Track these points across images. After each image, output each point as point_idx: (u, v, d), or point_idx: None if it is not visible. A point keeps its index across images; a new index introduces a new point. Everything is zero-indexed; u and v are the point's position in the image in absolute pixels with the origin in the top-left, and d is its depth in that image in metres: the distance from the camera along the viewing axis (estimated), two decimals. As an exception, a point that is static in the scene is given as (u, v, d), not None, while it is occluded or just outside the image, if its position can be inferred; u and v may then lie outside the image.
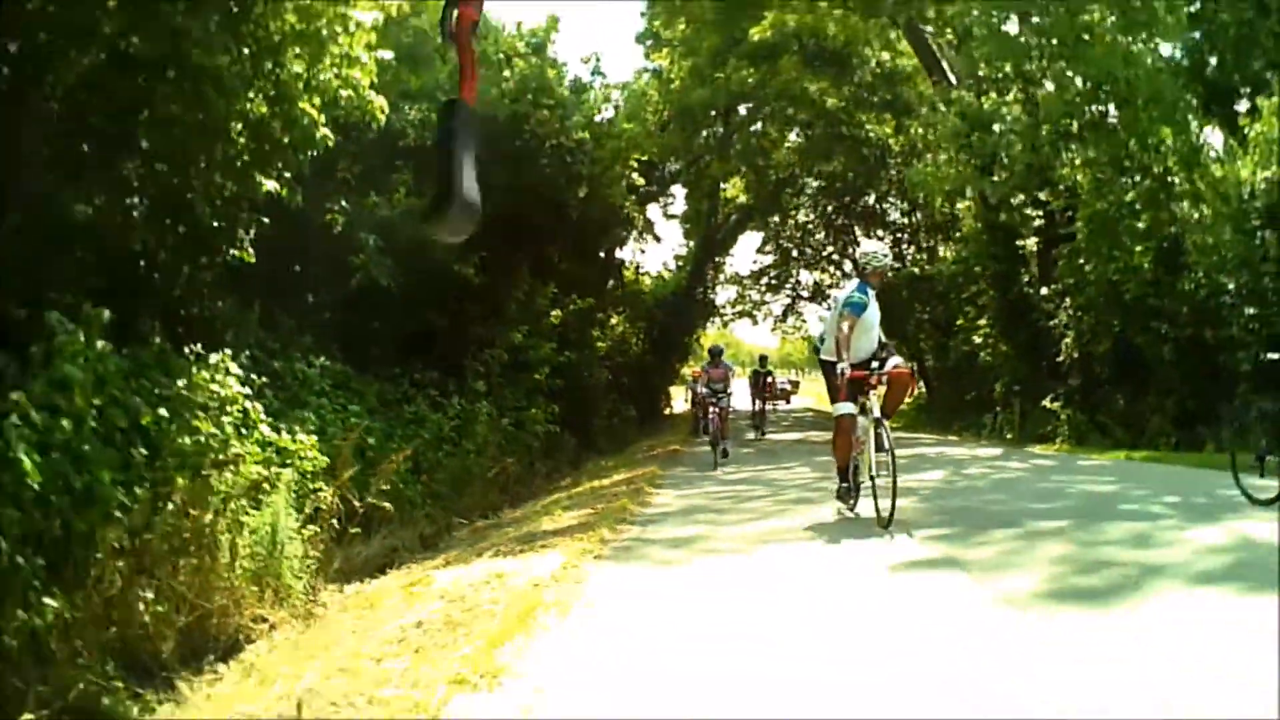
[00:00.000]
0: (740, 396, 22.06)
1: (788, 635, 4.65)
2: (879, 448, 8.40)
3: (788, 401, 59.53)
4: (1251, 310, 18.47)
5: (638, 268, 34.93)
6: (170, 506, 6.62)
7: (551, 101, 18.73)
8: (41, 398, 6.01)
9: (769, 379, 27.95)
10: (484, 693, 3.87)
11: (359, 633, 5.96)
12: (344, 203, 12.58)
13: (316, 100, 9.40)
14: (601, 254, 27.04)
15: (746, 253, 56.29)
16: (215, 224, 9.36)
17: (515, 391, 18.40)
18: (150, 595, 6.27)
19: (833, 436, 9.25)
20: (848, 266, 47.45)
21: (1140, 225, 20.45)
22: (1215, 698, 3.40)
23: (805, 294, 50.90)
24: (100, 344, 6.64)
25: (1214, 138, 21.56)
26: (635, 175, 25.51)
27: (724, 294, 51.17)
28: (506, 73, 18.22)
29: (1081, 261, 21.83)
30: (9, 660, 5.17)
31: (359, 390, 13.31)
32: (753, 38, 27.21)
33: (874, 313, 9.03)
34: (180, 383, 7.59)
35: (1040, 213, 24.15)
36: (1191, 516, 7.77)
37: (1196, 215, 19.66)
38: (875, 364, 8.86)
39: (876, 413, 8.56)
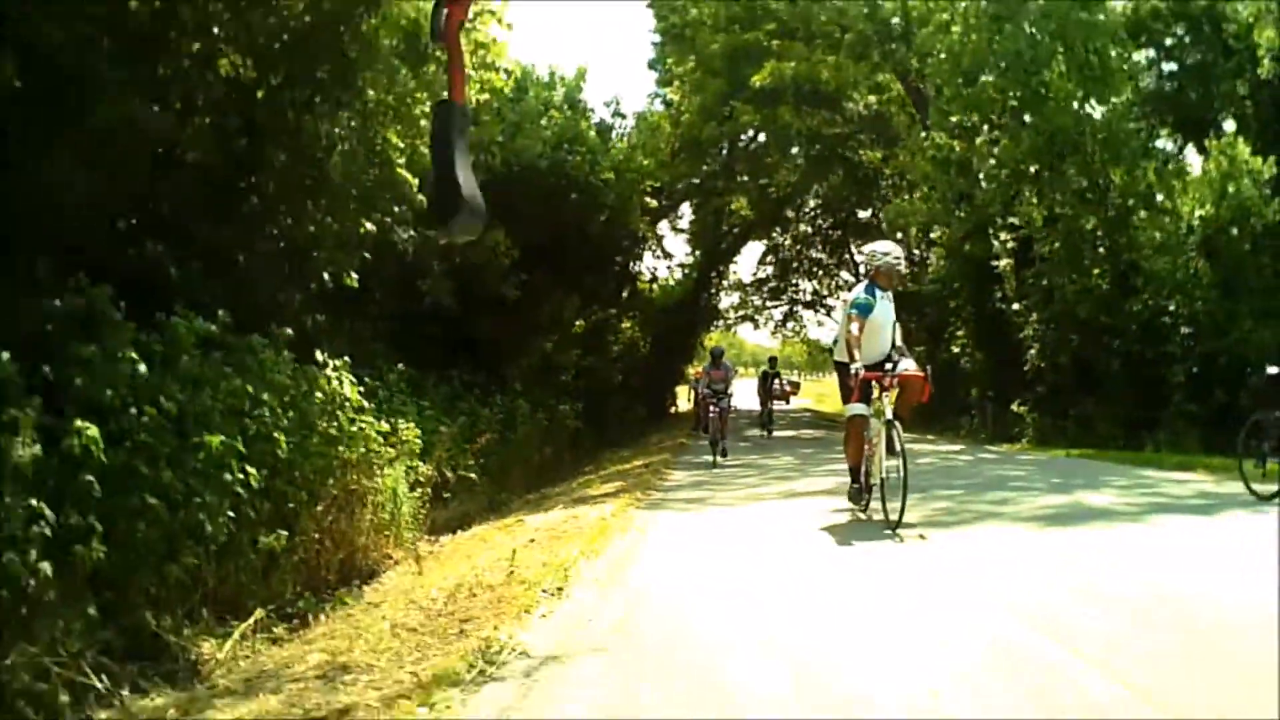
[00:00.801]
0: (745, 396, 24.55)
1: (757, 540, 8.04)
2: (890, 450, 8.56)
3: (787, 402, 61.18)
4: (1186, 330, 21.08)
5: (651, 277, 37.16)
6: (330, 478, 9.33)
7: (583, 149, 21.40)
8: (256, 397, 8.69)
9: (777, 380, 29.42)
10: (596, 559, 6.95)
11: (484, 552, 8.74)
12: (413, 232, 15.18)
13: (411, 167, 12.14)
14: (616, 267, 29.22)
15: (749, 261, 57.40)
16: (327, 257, 12.11)
17: (546, 391, 21.15)
18: (320, 537, 9.03)
19: (845, 437, 9.49)
20: (844, 276, 50.27)
21: (1100, 251, 23.08)
22: (1011, 573, 6.16)
23: (804, 301, 53.59)
24: (285, 354, 9.29)
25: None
26: (649, 199, 27.95)
27: (727, 299, 53.28)
28: (544, 121, 20.82)
29: (1045, 283, 24.13)
30: (246, 578, 7.86)
31: (425, 390, 16.00)
32: (754, 84, 29.79)
33: (885, 314, 9.12)
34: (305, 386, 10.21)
35: (1012, 236, 26.22)
36: (1054, 490, 10.75)
37: (1146, 246, 22.13)
38: (889, 365, 9.00)
39: (889, 414, 8.70)
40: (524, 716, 3.79)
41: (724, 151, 37.33)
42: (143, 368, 6.80)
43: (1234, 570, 6.11)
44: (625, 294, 30.82)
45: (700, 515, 10.02)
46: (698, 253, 43.13)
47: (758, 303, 55.30)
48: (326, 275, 12.31)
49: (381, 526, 9.94)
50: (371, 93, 11.38)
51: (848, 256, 48.90)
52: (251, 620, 6.89)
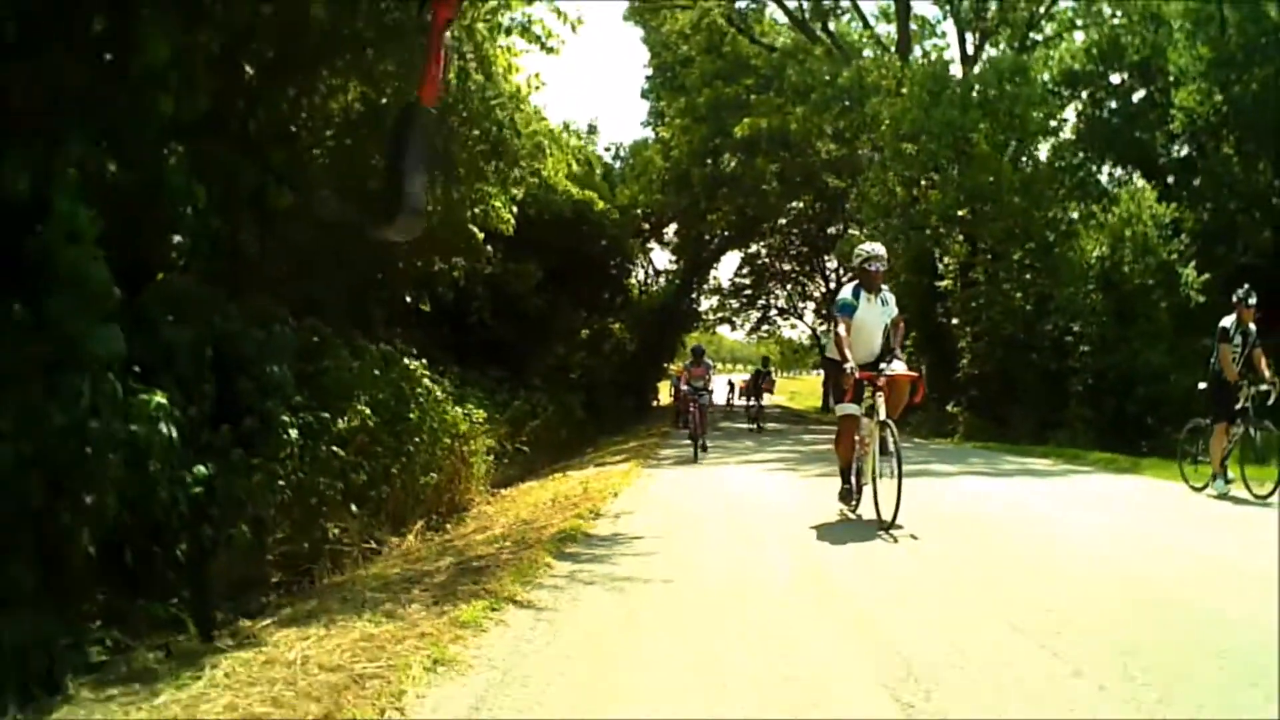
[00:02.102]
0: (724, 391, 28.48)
1: (716, 479, 12.78)
2: (884, 450, 8.57)
3: (771, 393, 65.78)
4: (1085, 348, 25.21)
5: (640, 286, 41.35)
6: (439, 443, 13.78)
7: (595, 194, 25.81)
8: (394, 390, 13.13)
9: (770, 379, 32.63)
10: (626, 488, 11.70)
11: (544, 493, 13.34)
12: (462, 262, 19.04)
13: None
14: (612, 281, 33.41)
15: (728, 267, 60.26)
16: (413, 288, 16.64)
17: (558, 387, 25.64)
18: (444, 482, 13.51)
19: (835, 437, 9.45)
20: (813, 286, 54.93)
21: (1026, 278, 27.41)
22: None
23: (777, 307, 58.13)
24: (405, 360, 13.74)
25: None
26: (642, 223, 32.32)
27: (707, 302, 57.53)
28: (565, 171, 25.03)
29: (974, 305, 28.38)
30: (413, 501, 12.28)
31: (470, 386, 20.33)
32: (736, 135, 34.36)
33: (872, 315, 9.15)
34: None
35: (955, 262, 30.60)
36: (940, 460, 15.34)
37: (1057, 278, 26.44)
38: (882, 366, 8.98)
39: (883, 415, 8.65)
40: (616, 530, 8.65)
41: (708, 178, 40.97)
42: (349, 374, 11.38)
43: (1006, 499, 10.73)
44: (618, 302, 35.05)
45: (682, 473, 14.76)
46: (680, 262, 46.77)
47: (735, 305, 59.56)
48: (409, 299, 16.88)
49: (472, 479, 14.45)
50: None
51: (818, 266, 53.38)
52: (420, 523, 11.51)
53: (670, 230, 44.63)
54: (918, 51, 37.20)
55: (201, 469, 7.18)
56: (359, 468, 10.34)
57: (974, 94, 27.63)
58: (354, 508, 10.00)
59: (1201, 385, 11.86)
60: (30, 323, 5.75)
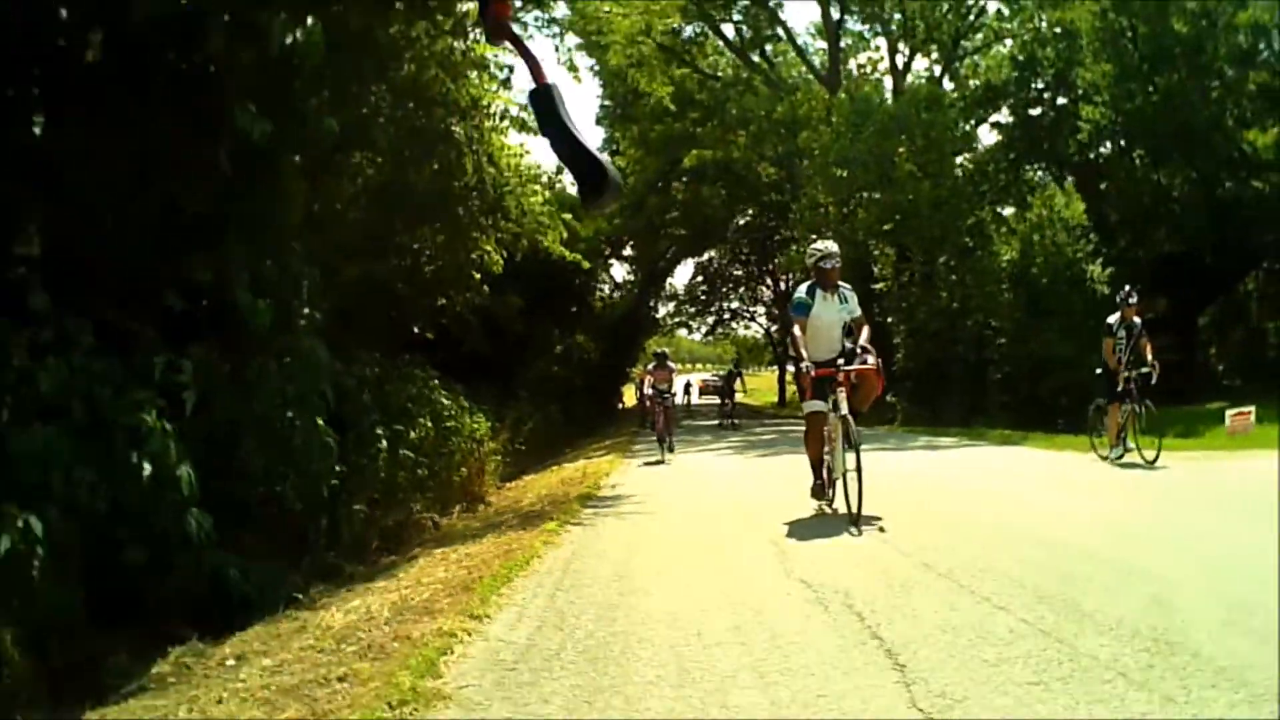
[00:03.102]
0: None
1: (682, 460, 16.43)
2: (848, 445, 8.55)
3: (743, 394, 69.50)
4: (1002, 342, 29.09)
5: (602, 299, 44.58)
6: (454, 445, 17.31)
7: (579, 256, 28.86)
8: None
9: (739, 379, 35.54)
10: (610, 476, 15.37)
11: (546, 481, 16.93)
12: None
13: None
14: (577, 299, 36.78)
15: (684, 275, 63.15)
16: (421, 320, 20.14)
17: (538, 396, 29.06)
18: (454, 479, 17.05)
19: (804, 434, 9.46)
20: (762, 290, 58.69)
21: (952, 279, 31.09)
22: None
23: (730, 309, 61.81)
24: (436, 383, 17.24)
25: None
26: (602, 245, 35.73)
27: (664, 309, 61.38)
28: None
29: (904, 305, 32.12)
30: (450, 490, 15.77)
31: (467, 398, 23.77)
32: (685, 165, 37.96)
33: (828, 313, 9.16)
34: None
35: (888, 267, 34.03)
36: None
37: (975, 280, 30.19)
38: (841, 361, 8.90)
39: (844, 410, 8.63)
40: (616, 494, 12.39)
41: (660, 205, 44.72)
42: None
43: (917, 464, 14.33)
44: (581, 315, 38.31)
45: (655, 463, 18.08)
46: (638, 274, 50.49)
47: (692, 310, 63.24)
48: (415, 329, 20.33)
49: (486, 474, 17.95)
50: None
51: (766, 271, 57.09)
52: (457, 508, 15.06)
53: (627, 248, 47.99)
54: (852, 64, 41.40)
55: (341, 467, 10.73)
56: (421, 465, 13.92)
57: (893, 122, 31.22)
58: (418, 495, 13.64)
59: (1098, 370, 14.16)
60: (277, 383, 9.34)
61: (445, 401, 16.60)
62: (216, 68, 8.99)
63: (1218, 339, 38.75)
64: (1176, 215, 32.58)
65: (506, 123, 16.76)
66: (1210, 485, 11.20)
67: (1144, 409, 13.27)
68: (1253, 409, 17.88)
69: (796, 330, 9.06)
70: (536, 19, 16.02)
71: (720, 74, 42.28)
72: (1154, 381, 13.23)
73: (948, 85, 39.43)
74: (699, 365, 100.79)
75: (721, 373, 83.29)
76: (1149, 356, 13.22)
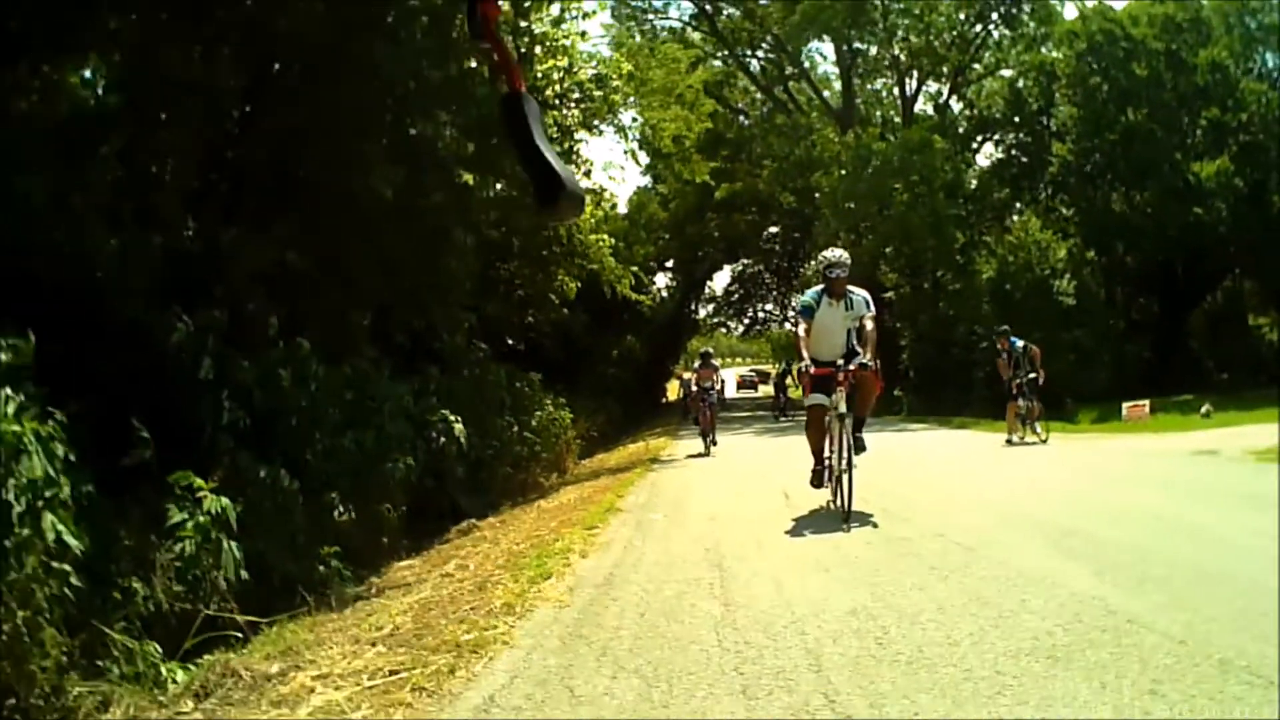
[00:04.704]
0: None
1: (723, 441, 21.44)
2: (845, 444, 9.03)
3: (755, 389, 75.50)
4: (984, 345, 33.78)
5: (650, 305, 50.46)
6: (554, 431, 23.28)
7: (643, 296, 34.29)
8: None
9: (788, 375, 38.74)
10: (663, 455, 21.03)
11: (622, 453, 23.06)
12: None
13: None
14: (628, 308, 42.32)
15: (722, 280, 66.98)
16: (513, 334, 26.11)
17: (598, 393, 35.01)
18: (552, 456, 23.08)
19: (805, 425, 9.96)
20: (791, 297, 63.64)
21: (951, 288, 36.93)
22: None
23: (765, 310, 66.83)
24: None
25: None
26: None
27: (704, 310, 65.83)
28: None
29: (907, 313, 38.09)
30: (557, 463, 21.82)
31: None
32: (717, 198, 43.98)
33: (835, 317, 9.56)
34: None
35: (894, 280, 39.94)
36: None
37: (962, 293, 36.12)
38: (840, 361, 9.29)
39: (841, 409, 9.05)
40: (673, 457, 18.79)
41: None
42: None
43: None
44: (631, 321, 43.98)
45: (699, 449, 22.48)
46: (678, 280, 55.69)
47: (730, 312, 67.62)
48: (509, 341, 26.32)
49: (570, 453, 23.92)
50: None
51: (795, 277, 62.29)
52: (554, 475, 21.07)
53: (669, 261, 53.47)
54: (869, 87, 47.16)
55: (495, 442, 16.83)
56: (536, 444, 19.99)
57: (890, 165, 36.96)
58: (534, 464, 19.74)
59: (1018, 342, 19.33)
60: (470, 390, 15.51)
61: (548, 401, 22.52)
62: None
63: (1210, 336, 41.69)
64: (1136, 240, 37.70)
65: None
66: (1075, 454, 16.52)
67: (1030, 404, 18.64)
68: (1147, 403, 23.66)
69: (801, 331, 9.47)
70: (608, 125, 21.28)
71: (747, 110, 48.57)
72: (1040, 384, 18.73)
73: (956, 106, 45.86)
74: (738, 360, 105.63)
75: (757, 368, 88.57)
76: (1037, 365, 18.79)
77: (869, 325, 9.50)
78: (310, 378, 11.18)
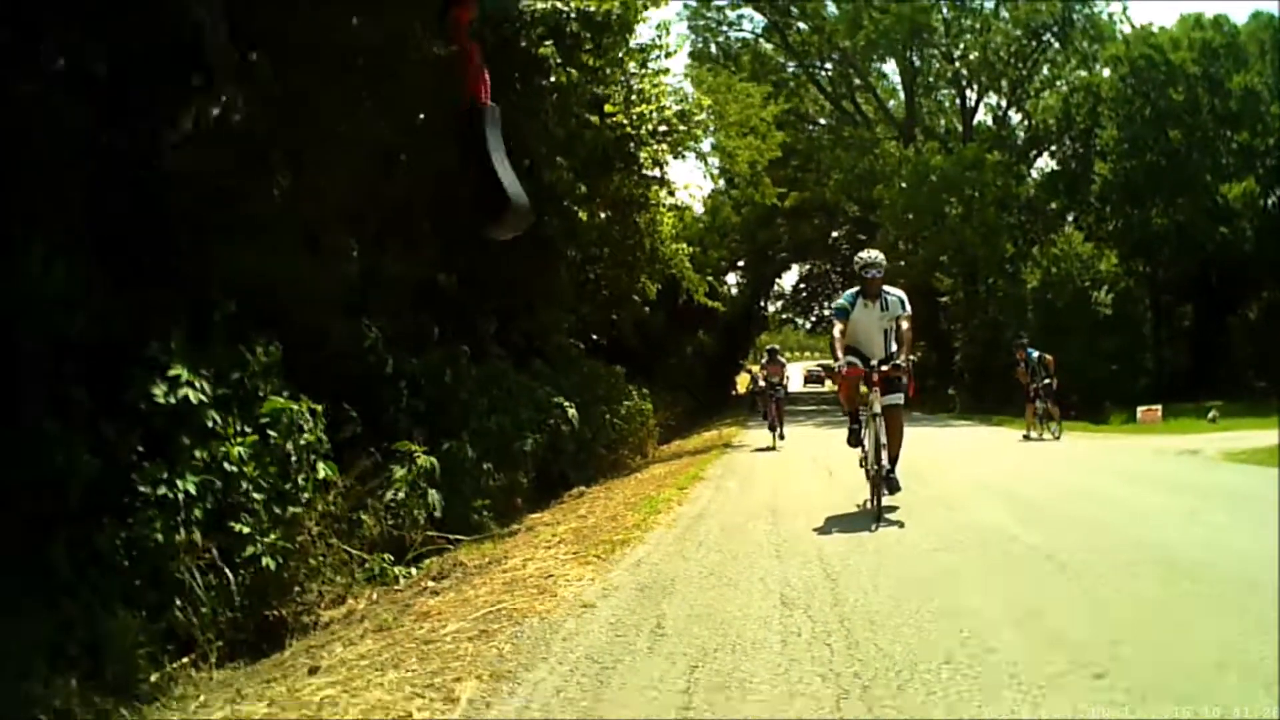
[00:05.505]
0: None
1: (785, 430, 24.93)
2: (876, 442, 9.26)
3: (821, 384, 77.43)
4: (1034, 353, 37.29)
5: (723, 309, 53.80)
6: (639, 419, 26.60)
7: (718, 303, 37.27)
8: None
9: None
10: (734, 441, 24.69)
11: (698, 439, 26.39)
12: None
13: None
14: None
15: (790, 277, 70.00)
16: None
17: (674, 384, 38.35)
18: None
19: (838, 390, 10.73)
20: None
21: (1000, 295, 40.04)
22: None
23: (828, 312, 69.60)
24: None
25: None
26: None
27: (773, 306, 70.06)
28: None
29: (961, 317, 41.17)
30: (642, 446, 25.22)
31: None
32: (786, 205, 47.00)
33: (870, 318, 9.73)
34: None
35: (950, 284, 43.14)
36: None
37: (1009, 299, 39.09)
38: (874, 362, 9.48)
39: (876, 408, 9.26)
40: (742, 444, 22.22)
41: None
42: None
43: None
44: (703, 317, 47.11)
45: (764, 433, 25.45)
46: (747, 278, 59.30)
47: (797, 308, 72.04)
48: (594, 337, 29.61)
49: (650, 438, 27.20)
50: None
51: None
52: (637, 457, 24.34)
53: (740, 261, 56.77)
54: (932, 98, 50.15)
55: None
56: (624, 429, 23.26)
57: (945, 180, 39.82)
58: (622, 446, 23.03)
59: (1033, 353, 22.36)
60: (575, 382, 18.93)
61: (633, 391, 25.77)
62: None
63: (1250, 344, 42.97)
64: (1174, 254, 40.27)
65: (667, 207, 25.78)
66: (1084, 451, 19.34)
67: (1047, 406, 21.54)
68: (1159, 407, 26.45)
69: (835, 332, 9.53)
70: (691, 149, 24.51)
71: (816, 118, 51.66)
72: (1055, 389, 21.74)
73: (1015, 118, 48.69)
74: (805, 354, 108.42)
75: (824, 363, 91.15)
76: (1051, 372, 21.79)
77: (905, 325, 9.69)
78: (465, 375, 14.60)
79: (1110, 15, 46.04)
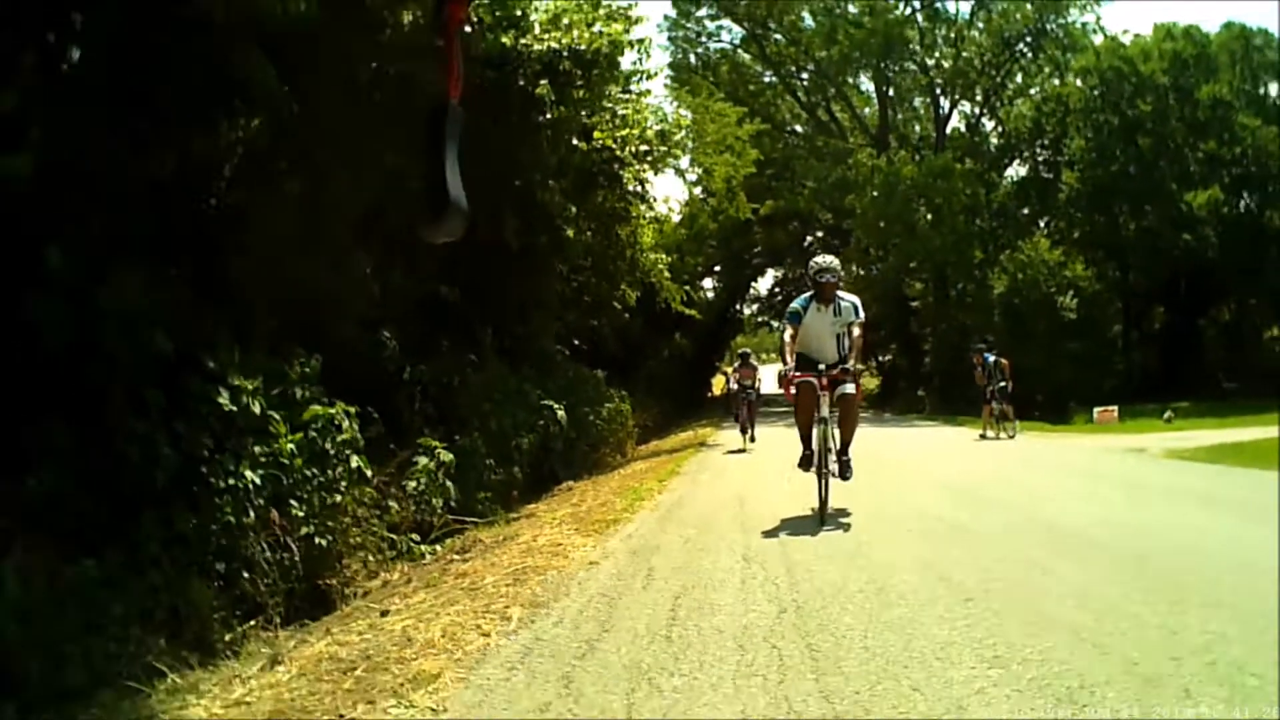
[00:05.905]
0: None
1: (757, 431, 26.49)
2: (825, 446, 9.40)
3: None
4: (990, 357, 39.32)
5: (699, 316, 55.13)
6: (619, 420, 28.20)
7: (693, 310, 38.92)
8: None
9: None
10: (709, 441, 26.46)
11: (674, 439, 28.04)
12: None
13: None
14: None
15: (766, 283, 71.53)
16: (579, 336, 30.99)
17: (651, 387, 39.95)
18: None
19: (794, 409, 10.12)
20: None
21: (966, 301, 41.80)
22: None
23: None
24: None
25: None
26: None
27: (749, 309, 70.59)
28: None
29: (930, 321, 42.85)
30: (623, 447, 26.76)
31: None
32: (762, 213, 48.62)
33: (823, 323, 9.66)
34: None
35: (919, 289, 44.83)
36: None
37: (976, 304, 40.82)
38: (823, 367, 9.43)
39: (825, 412, 9.37)
40: (717, 444, 23.80)
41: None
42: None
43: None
44: (679, 321, 48.75)
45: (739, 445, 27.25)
46: (723, 282, 60.17)
47: (773, 312, 72.02)
48: (575, 342, 31.20)
49: (629, 439, 28.80)
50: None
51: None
52: (617, 456, 25.96)
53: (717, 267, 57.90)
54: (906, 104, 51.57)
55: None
56: (604, 429, 24.85)
57: (914, 189, 41.53)
58: (604, 446, 24.62)
59: (989, 357, 23.79)
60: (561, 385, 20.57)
61: (613, 394, 27.31)
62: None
63: (1221, 347, 45.65)
64: (1141, 260, 42.18)
65: (647, 220, 27.34)
66: (1034, 449, 20.92)
67: (1003, 408, 23.26)
68: (1115, 408, 28.08)
69: (786, 336, 9.56)
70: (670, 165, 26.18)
71: (791, 126, 53.31)
72: (1010, 391, 23.42)
73: (988, 124, 50.48)
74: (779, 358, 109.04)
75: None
76: (1007, 375, 23.50)
77: (856, 331, 9.63)
78: (469, 380, 16.25)
79: (1084, 25, 47.92)
